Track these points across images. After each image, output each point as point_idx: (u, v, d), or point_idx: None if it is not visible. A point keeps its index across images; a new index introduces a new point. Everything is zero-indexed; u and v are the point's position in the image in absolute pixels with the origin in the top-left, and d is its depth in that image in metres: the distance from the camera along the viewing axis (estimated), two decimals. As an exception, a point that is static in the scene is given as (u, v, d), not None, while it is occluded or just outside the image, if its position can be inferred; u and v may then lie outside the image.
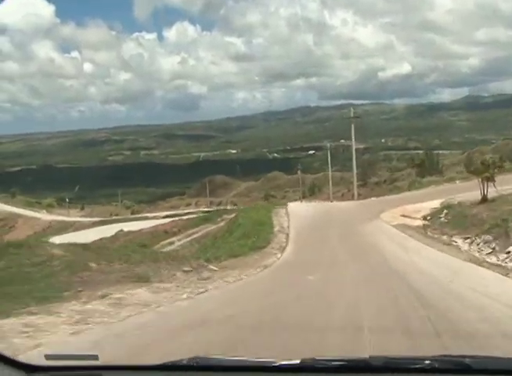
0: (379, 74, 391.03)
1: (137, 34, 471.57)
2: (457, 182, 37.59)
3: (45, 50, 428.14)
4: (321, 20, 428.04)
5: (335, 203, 45.50)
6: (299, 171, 78.44)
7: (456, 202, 22.32)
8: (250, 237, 22.29)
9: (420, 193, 36.07)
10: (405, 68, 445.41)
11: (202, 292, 11.12)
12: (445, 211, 21.35)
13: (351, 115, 54.23)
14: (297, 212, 33.07)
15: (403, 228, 20.64)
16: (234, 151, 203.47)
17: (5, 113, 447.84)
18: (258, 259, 17.54)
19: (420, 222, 21.21)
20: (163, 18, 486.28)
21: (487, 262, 13.03)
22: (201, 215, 51.09)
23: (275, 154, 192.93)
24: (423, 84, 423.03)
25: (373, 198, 41.59)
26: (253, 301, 9.98)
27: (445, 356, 2.39)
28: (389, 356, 2.29)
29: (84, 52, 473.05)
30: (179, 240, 35.85)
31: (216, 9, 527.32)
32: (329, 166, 66.82)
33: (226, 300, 10.56)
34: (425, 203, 25.54)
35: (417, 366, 2.16)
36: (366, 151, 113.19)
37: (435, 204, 24.08)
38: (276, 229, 25.07)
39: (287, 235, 23.25)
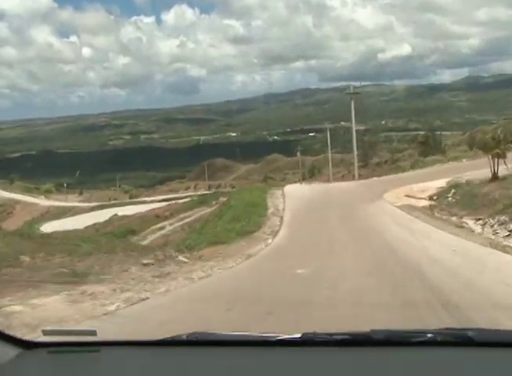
0: (379, 55, 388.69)
1: (135, 17, 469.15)
2: (464, 160, 36.15)
3: (43, 35, 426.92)
4: (320, 2, 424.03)
5: (335, 183, 43.18)
6: (298, 153, 77.53)
7: (463, 181, 20.73)
8: (240, 221, 20.40)
9: (424, 172, 34.04)
10: (405, 49, 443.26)
11: (142, 299, 8.27)
12: (453, 190, 19.87)
13: (351, 91, 52.48)
14: (294, 193, 31.20)
15: (408, 209, 18.76)
16: (234, 134, 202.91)
17: (4, 99, 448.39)
18: (244, 246, 15.14)
19: (426, 203, 19.65)
20: (161, 1, 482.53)
21: (509, 246, 11.28)
22: (197, 198, 49.22)
23: (276, 137, 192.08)
24: (423, 65, 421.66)
25: (374, 178, 39.52)
26: (202, 319, 6.44)
27: (447, 328, 2.33)
28: (391, 329, 2.25)
29: (82, 36, 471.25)
30: (171, 225, 34.29)
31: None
32: (329, 147, 65.39)
33: (167, 316, 6.89)
34: (430, 182, 23.71)
35: (419, 339, 2.13)
36: (367, 133, 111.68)
37: (441, 183, 22.60)
38: (270, 211, 23.13)
39: (281, 218, 21.08)
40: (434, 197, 20.31)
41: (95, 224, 39.00)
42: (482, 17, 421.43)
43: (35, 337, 2.47)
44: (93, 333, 2.32)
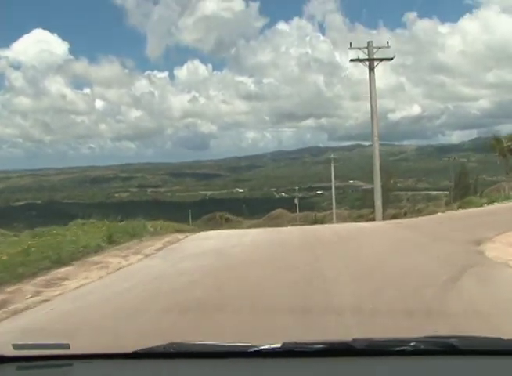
0: (388, 115, 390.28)
1: (149, 72, 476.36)
2: None
3: (57, 86, 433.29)
4: (332, 61, 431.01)
5: (346, 224, 32.00)
6: (296, 201, 75.43)
7: None
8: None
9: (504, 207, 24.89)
10: (415, 110, 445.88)
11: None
12: None
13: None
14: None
15: None
16: (241, 190, 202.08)
17: (17, 149, 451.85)
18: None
19: None
20: (174, 56, 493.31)
21: None
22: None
23: (283, 194, 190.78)
24: (433, 125, 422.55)
25: (412, 219, 27.93)
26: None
27: (430, 337, 2.27)
28: (373, 338, 2.23)
29: (95, 88, 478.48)
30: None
31: (227, 48, 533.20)
32: (333, 190, 61.42)
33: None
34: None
35: (402, 348, 2.09)
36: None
37: None
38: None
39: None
40: None
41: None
42: (492, 80, 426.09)
43: (4, 352, 2.21)
44: (66, 346, 2.22)
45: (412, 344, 2.08)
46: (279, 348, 2.14)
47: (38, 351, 2.26)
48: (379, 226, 21.38)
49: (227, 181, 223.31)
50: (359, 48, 34.96)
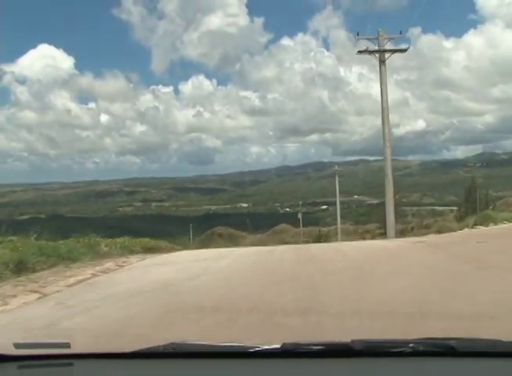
0: (393, 130, 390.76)
1: (153, 86, 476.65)
2: None
3: (62, 100, 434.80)
4: (336, 76, 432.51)
5: (354, 243, 24.10)
6: (300, 216, 74.18)
7: None
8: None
9: None
10: (420, 125, 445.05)
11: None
12: None
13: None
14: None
15: None
16: (245, 205, 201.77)
17: (21, 162, 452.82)
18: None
19: None
20: (179, 71, 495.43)
21: None
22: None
23: (287, 209, 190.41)
24: (438, 140, 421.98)
25: (431, 235, 25.25)
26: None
27: (428, 338, 2.25)
28: (371, 339, 2.22)
29: (100, 103, 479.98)
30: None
31: (232, 63, 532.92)
32: (338, 204, 58.65)
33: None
34: None
35: (400, 349, 2.10)
36: (380, 206, 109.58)
37: None
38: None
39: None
40: None
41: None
42: (497, 95, 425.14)
43: (6, 351, 2.24)
44: (67, 345, 2.24)
45: (410, 345, 2.08)
46: (279, 348, 2.14)
47: (39, 350, 2.27)
48: (397, 246, 17.12)
49: (231, 196, 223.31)
50: (368, 39, 30.69)
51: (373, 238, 39.49)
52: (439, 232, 27.67)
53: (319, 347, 2.14)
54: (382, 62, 30.15)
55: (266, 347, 2.16)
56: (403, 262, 12.67)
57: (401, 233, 38.54)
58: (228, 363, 2.15)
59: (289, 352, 2.14)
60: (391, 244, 18.76)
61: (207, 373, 2.07)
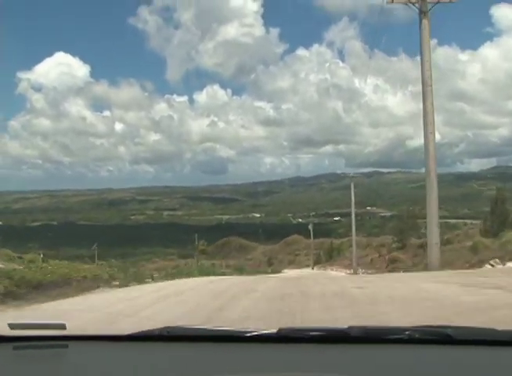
0: (407, 142, 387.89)
1: (168, 95, 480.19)
2: None
3: (77, 108, 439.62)
4: (351, 87, 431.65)
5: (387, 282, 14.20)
6: (311, 228, 72.34)
7: None
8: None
9: None
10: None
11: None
12: None
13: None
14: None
15: None
16: (258, 215, 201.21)
17: (35, 170, 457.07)
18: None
19: None
20: (194, 81, 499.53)
21: None
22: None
23: (300, 219, 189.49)
24: (452, 153, 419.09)
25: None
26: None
27: (425, 326, 2.27)
28: (368, 326, 2.25)
29: (115, 111, 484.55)
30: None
31: (247, 73, 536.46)
32: (353, 218, 51.56)
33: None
34: None
35: (397, 336, 2.12)
36: (393, 219, 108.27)
37: None
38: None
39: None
40: None
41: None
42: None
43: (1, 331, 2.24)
44: (62, 326, 2.23)
45: (407, 332, 2.08)
46: (275, 333, 2.13)
47: (35, 331, 2.27)
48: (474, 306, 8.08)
49: (244, 206, 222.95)
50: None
51: (394, 260, 33.19)
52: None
53: (316, 333, 2.14)
54: (423, 13, 21.39)
55: (262, 332, 2.15)
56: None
57: (420, 247, 34.14)
58: (223, 347, 2.14)
59: (285, 338, 2.13)
60: (450, 294, 9.81)
61: (203, 356, 2.04)
